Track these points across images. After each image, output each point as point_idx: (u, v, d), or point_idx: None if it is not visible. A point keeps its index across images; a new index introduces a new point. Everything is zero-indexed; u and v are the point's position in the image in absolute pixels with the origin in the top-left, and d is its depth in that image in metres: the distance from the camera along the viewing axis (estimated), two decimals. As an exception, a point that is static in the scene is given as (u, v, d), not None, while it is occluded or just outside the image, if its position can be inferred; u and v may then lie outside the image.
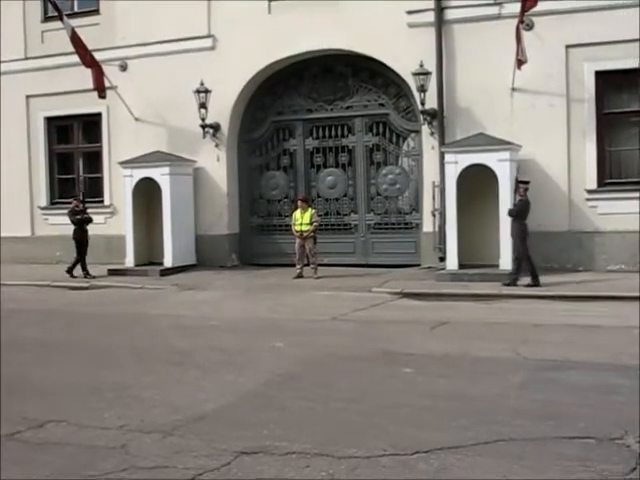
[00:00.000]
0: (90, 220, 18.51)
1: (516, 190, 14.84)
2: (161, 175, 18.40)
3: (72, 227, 18.51)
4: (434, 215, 17.01)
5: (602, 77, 16.00)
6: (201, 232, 19.27)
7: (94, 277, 17.81)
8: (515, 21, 15.21)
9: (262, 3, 18.43)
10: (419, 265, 17.44)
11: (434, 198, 16.98)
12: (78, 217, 18.33)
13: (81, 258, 18.17)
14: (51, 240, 20.76)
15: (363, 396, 7.38)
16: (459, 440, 5.92)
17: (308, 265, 17.03)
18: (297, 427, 6.43)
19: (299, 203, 17.32)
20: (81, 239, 18.25)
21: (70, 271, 18.05)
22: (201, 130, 18.88)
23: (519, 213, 14.70)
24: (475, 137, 16.07)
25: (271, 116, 19.49)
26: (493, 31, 16.40)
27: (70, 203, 18.89)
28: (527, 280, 14.33)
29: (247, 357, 9.32)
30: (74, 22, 18.94)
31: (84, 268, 18.07)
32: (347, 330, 11.15)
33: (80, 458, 5.85)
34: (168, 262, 18.35)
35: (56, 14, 18.79)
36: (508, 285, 14.39)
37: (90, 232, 18.48)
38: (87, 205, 18.81)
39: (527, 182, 14.89)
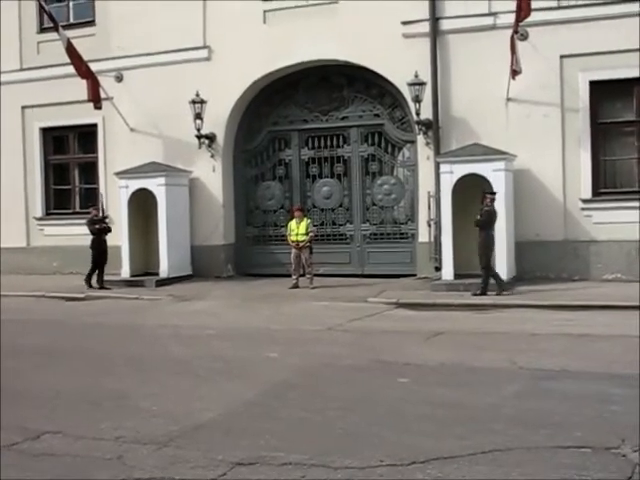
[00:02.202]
0: (109, 230, 18.26)
1: (483, 201, 14.93)
2: (157, 186, 18.38)
3: (66, 237, 18.44)
4: (429, 225, 17.03)
5: (596, 87, 16.06)
6: (197, 242, 19.26)
7: (110, 289, 17.65)
8: (509, 31, 15.28)
9: (257, 13, 18.49)
10: (415, 275, 17.45)
11: (429, 208, 17.01)
12: (97, 227, 18.08)
13: (99, 268, 17.93)
14: (47, 251, 20.78)
15: (359, 406, 7.38)
16: (456, 450, 5.92)
17: (304, 275, 17.03)
18: (293, 437, 6.43)
19: (296, 213, 17.30)
20: (98, 249, 17.97)
21: (88, 280, 17.85)
22: (197, 140, 18.91)
23: (486, 223, 14.83)
24: (470, 147, 16.12)
25: (267, 126, 19.52)
26: (488, 41, 16.46)
27: (67, 213, 18.85)
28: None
29: (244, 367, 9.31)
30: (70, 33, 19.00)
31: (101, 280, 17.88)
32: (343, 340, 11.14)
33: (76, 469, 5.83)
34: (164, 272, 18.33)
35: (52, 25, 18.85)
36: (477, 295, 14.57)
37: (86, 243, 18.35)
38: (104, 215, 18.59)
39: (493, 193, 14.99)
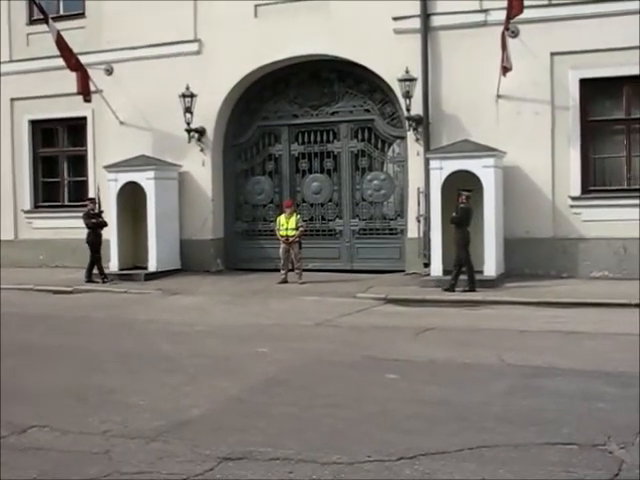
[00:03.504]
0: (105, 224, 18.06)
1: (458, 198, 15.01)
2: (146, 179, 18.32)
3: (54, 230, 18.18)
4: (419, 221, 17.04)
5: (587, 85, 16.08)
6: (186, 237, 19.22)
7: (112, 280, 17.61)
8: (501, 28, 15.27)
9: (249, 8, 18.44)
10: (404, 271, 17.45)
11: (419, 204, 17.02)
12: (94, 221, 17.89)
13: (97, 261, 17.79)
14: (34, 244, 20.69)
15: (347, 402, 7.38)
16: (444, 446, 5.93)
17: (293, 270, 17.02)
18: (281, 433, 6.42)
19: (287, 209, 17.24)
20: (95, 243, 17.82)
21: (89, 276, 17.66)
22: (186, 134, 18.85)
23: (461, 220, 14.94)
24: (460, 143, 16.13)
25: (257, 121, 19.48)
26: (479, 38, 16.45)
27: (55, 206, 18.69)
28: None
29: (232, 362, 9.31)
30: (60, 25, 18.87)
31: (102, 272, 17.73)
32: (331, 336, 11.14)
33: (63, 464, 5.82)
34: (153, 266, 18.28)
35: (42, 17, 18.74)
36: (447, 290, 14.69)
37: (74, 236, 18.30)
38: (100, 210, 18.21)
39: (469, 190, 15.05)
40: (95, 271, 17.80)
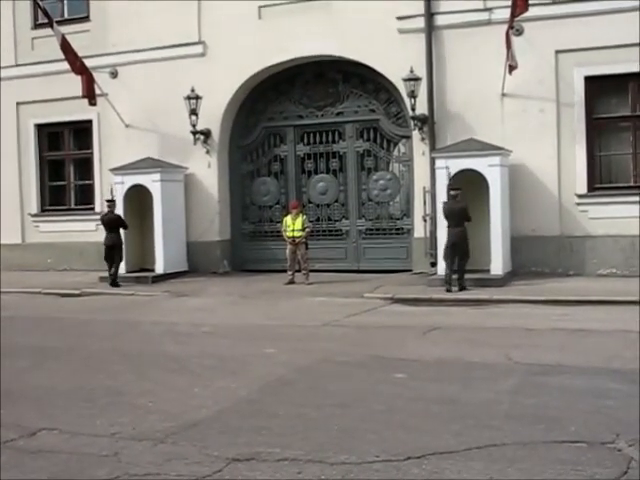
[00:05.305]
0: (126, 226, 17.81)
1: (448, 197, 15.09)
2: (152, 182, 18.37)
3: (61, 233, 18.11)
4: (425, 220, 17.05)
5: (592, 82, 16.07)
6: (192, 239, 19.26)
7: (120, 286, 17.27)
8: (505, 27, 15.28)
9: (253, 9, 18.47)
10: (410, 271, 17.45)
11: (425, 203, 17.02)
12: (106, 217, 17.69)
13: (113, 265, 17.48)
14: (42, 247, 20.75)
15: (355, 402, 7.38)
16: (451, 445, 5.93)
17: (299, 271, 17.03)
18: (290, 433, 6.42)
19: (297, 209, 17.24)
20: (114, 245, 17.55)
21: (114, 279, 17.47)
22: (192, 136, 18.88)
23: (461, 219, 14.94)
24: (465, 142, 16.11)
25: (262, 122, 19.51)
26: (483, 37, 16.47)
27: (62, 209, 18.67)
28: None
29: (240, 363, 9.31)
30: (64, 29, 18.93)
31: (114, 275, 17.53)
32: (339, 336, 11.14)
33: (72, 466, 5.82)
34: (160, 269, 18.32)
35: (46, 21, 18.84)
36: (460, 290, 14.69)
37: (82, 239, 18.24)
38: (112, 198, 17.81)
39: (458, 189, 15.02)
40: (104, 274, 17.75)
